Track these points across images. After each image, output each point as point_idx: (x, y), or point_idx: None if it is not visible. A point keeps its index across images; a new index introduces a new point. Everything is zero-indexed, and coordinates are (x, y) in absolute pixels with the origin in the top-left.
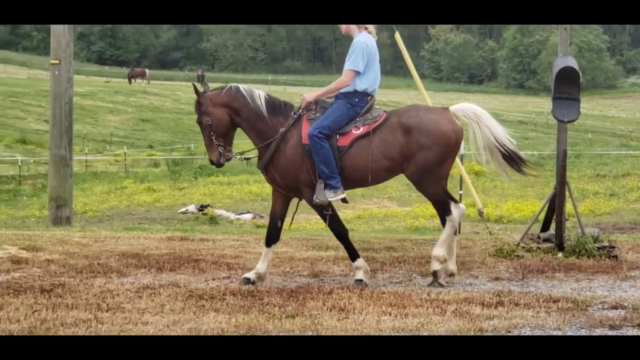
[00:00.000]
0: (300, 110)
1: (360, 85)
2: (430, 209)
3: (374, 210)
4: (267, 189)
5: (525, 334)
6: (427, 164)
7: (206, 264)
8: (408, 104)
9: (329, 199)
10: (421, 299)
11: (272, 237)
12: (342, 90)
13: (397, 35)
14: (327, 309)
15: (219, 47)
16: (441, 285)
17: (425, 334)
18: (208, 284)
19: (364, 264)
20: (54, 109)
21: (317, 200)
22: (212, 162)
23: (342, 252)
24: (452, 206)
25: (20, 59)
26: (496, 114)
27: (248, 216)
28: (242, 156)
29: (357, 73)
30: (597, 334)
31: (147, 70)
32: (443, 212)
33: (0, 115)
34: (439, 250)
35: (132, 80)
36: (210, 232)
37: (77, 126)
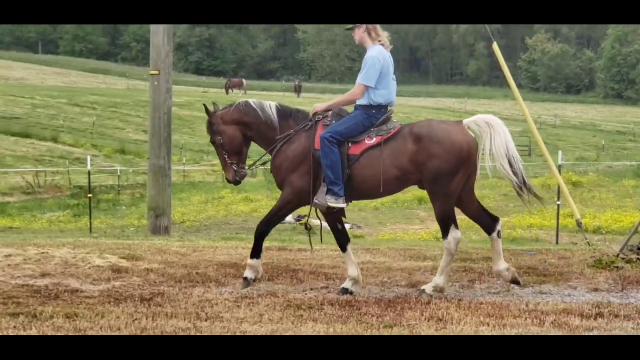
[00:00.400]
0: (317, 117)
1: (376, 99)
2: (528, 219)
3: (471, 221)
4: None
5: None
6: (440, 173)
7: (304, 274)
8: (505, 114)
9: (329, 204)
10: (519, 310)
11: (343, 240)
12: (359, 103)
13: (495, 46)
14: (425, 319)
15: (316, 58)
16: (431, 297)
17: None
18: (306, 294)
19: (257, 266)
20: (153, 120)
21: (316, 201)
22: (229, 181)
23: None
24: (452, 229)
25: (119, 70)
26: (594, 125)
27: (346, 226)
28: (255, 166)
29: (369, 87)
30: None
31: (244, 81)
32: (443, 233)
33: (100, 125)
34: (440, 280)
35: (230, 91)
36: (308, 242)
37: (175, 136)
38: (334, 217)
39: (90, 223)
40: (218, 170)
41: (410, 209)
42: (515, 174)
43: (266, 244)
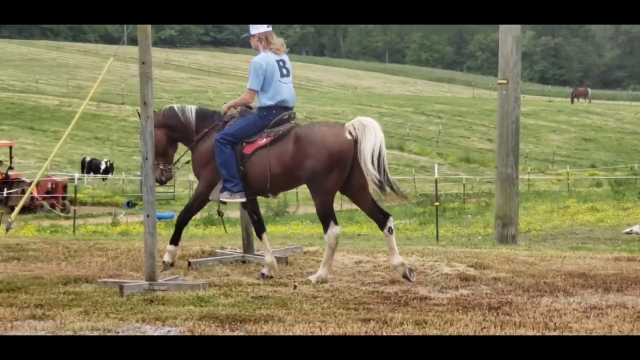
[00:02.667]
0: (226, 118)
1: (262, 100)
2: None
3: None
4: None
5: None
6: (314, 172)
7: None
8: None
9: (222, 200)
10: None
11: (259, 229)
12: (258, 105)
13: None
14: None
15: None
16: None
17: None
18: None
19: (174, 251)
20: (500, 128)
21: (211, 198)
22: (156, 180)
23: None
24: (331, 225)
25: (464, 79)
26: None
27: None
28: (178, 164)
29: (257, 90)
30: None
31: (589, 90)
32: (324, 228)
33: (446, 134)
34: (322, 271)
35: (575, 100)
36: None
37: (520, 145)
38: (250, 208)
39: (437, 231)
40: (562, 180)
41: None
42: (378, 171)
43: (614, 254)
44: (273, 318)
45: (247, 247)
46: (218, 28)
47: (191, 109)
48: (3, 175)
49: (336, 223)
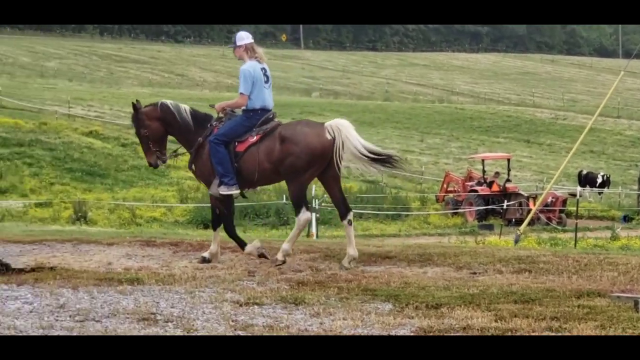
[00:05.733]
0: (214, 122)
1: (251, 104)
2: None
3: None
4: None
5: None
6: (294, 167)
7: None
8: None
9: (221, 193)
10: None
11: (215, 223)
12: (243, 108)
13: None
14: None
15: None
16: (283, 262)
17: None
18: None
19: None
20: None
21: (210, 192)
22: (150, 165)
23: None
24: (302, 210)
25: None
26: None
27: None
28: (174, 154)
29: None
30: None
31: None
32: (296, 211)
33: None
34: (286, 245)
35: None
36: None
37: None
38: (215, 203)
39: None
40: None
41: None
42: (376, 161)
43: None
44: None
45: None
46: None
47: (186, 110)
48: (500, 188)
49: (307, 209)
